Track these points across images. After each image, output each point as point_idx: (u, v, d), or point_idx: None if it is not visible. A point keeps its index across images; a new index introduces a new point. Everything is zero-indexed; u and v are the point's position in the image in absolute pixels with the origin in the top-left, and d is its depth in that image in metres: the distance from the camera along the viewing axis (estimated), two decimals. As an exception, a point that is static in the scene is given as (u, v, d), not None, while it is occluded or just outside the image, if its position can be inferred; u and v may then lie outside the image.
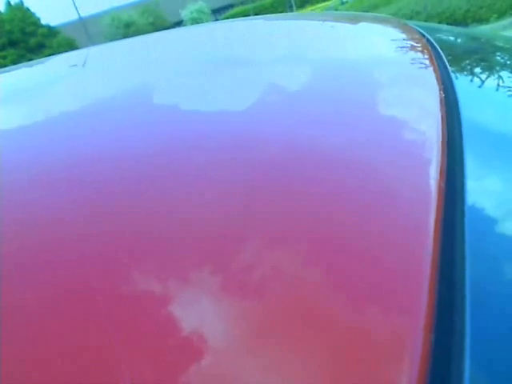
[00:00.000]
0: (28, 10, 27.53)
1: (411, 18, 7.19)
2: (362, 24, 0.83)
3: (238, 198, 0.29)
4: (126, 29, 32.47)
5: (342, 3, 19.70)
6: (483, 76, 0.52)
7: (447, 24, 6.85)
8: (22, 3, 27.56)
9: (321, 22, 0.88)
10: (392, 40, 0.68)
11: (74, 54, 0.92)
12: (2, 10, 27.33)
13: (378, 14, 1.05)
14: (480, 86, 0.48)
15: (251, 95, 0.47)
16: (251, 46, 0.69)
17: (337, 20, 0.90)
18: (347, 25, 0.82)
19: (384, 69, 0.52)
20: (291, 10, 29.99)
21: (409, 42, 0.63)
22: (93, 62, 0.80)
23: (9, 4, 27.48)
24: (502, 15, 6.23)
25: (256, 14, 31.62)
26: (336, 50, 0.61)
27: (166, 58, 0.70)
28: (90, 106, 0.51)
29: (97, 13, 34.80)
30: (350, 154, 0.34)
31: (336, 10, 15.30)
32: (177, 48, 0.77)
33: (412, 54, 0.57)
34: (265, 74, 0.53)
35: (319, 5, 25.46)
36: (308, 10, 24.04)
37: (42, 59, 0.99)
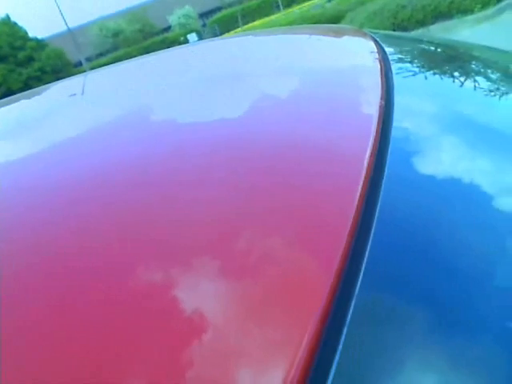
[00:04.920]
0: (15, 24, 27.49)
1: (397, 13, 7.26)
2: (322, 35, 0.90)
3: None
4: (114, 37, 32.47)
5: (329, 1, 19.78)
6: (424, 77, 0.58)
7: (432, 17, 6.92)
8: (8, 18, 27.52)
9: (289, 36, 0.96)
10: (350, 48, 0.74)
11: (73, 81, 0.96)
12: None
13: (340, 25, 1.16)
14: (418, 87, 0.54)
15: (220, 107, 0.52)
16: (220, 63, 0.78)
17: (304, 33, 0.99)
18: (310, 37, 0.90)
19: (336, 74, 0.57)
20: (278, 11, 30.05)
21: (362, 48, 0.69)
22: (93, 87, 0.85)
23: (-5, 19, 27.48)
24: (485, 5, 6.31)
25: (243, 16, 31.64)
26: (299, 61, 0.68)
27: (164, 77, 0.75)
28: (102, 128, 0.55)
29: (84, 23, 34.77)
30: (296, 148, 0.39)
31: (322, 7, 15.35)
32: (172, 67, 0.84)
33: (362, 59, 0.63)
34: (244, 85, 0.59)
35: (305, 3, 25.51)
36: (295, 8, 24.09)
37: (43, 87, 1.02)
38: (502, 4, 6.11)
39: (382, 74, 0.52)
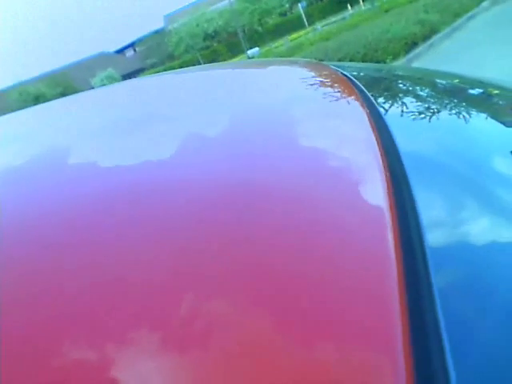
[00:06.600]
0: None
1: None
2: (285, 68, 0.80)
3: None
4: (35, 101, 31.76)
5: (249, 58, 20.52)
6: (410, 110, 0.51)
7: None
8: None
9: (242, 71, 0.83)
10: (316, 82, 0.63)
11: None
12: None
13: (301, 59, 1.06)
14: (409, 119, 0.47)
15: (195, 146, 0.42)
16: (185, 98, 0.64)
17: (259, 67, 0.86)
18: (267, 71, 0.79)
19: (314, 110, 0.48)
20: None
21: (331, 82, 0.60)
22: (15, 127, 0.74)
23: None
24: (396, 57, 6.82)
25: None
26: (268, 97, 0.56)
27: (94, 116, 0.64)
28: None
29: (3, 88, 33.93)
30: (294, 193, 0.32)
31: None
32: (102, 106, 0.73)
33: (337, 94, 0.55)
34: (202, 126, 0.48)
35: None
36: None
37: None
38: (411, 55, 6.60)
39: (368, 117, 0.43)
